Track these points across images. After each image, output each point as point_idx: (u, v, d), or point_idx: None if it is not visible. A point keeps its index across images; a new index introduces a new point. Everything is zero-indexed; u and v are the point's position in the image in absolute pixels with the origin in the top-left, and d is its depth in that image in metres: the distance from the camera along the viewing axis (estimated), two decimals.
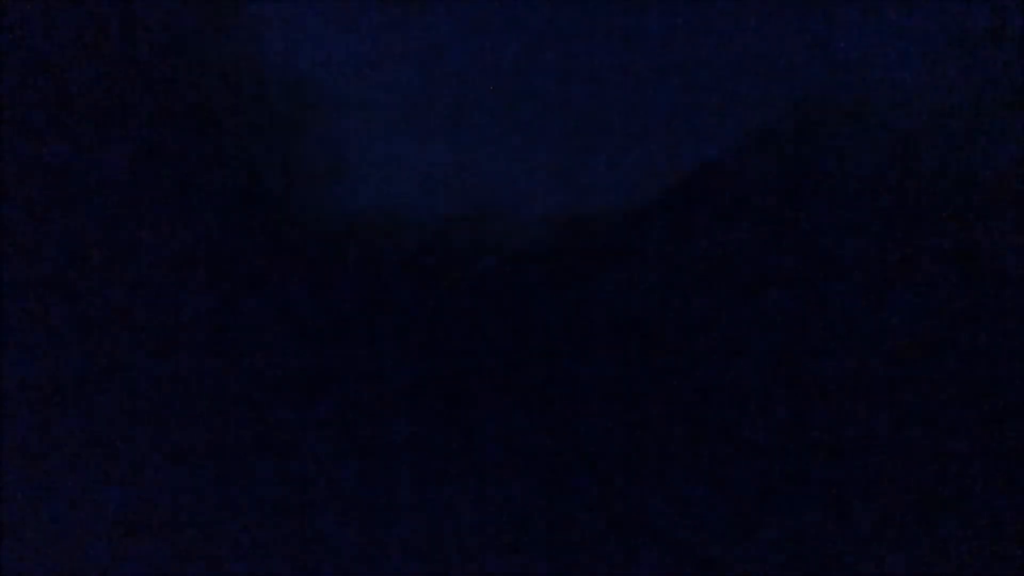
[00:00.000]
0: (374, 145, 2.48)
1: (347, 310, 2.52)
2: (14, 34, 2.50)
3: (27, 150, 2.51)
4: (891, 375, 2.51)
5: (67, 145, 2.51)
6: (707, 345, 2.52)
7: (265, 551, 2.47)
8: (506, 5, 2.49)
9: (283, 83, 2.49)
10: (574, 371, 2.50)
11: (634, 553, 2.48)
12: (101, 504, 2.48)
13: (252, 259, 2.51)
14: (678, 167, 2.54)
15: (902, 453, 2.49)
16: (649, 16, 2.51)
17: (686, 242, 2.53)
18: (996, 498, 2.47)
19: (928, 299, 2.51)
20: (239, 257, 2.52)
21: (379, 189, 2.46)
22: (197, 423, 2.49)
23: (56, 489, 2.48)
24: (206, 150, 2.53)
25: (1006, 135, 2.50)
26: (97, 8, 2.40)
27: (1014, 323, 2.48)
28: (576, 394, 2.50)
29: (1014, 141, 2.50)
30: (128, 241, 2.52)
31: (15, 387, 2.49)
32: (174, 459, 2.49)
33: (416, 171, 2.46)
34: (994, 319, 2.50)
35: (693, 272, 2.52)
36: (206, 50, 2.50)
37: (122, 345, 2.50)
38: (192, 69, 2.51)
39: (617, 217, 2.53)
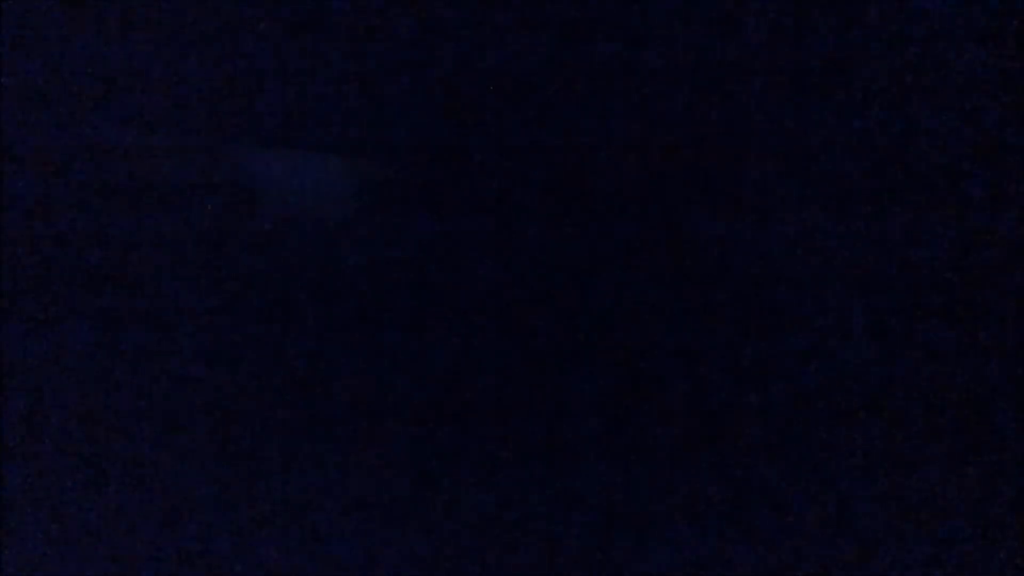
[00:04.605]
0: None
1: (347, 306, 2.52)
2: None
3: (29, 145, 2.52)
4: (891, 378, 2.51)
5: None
6: (707, 347, 2.52)
7: (266, 551, 2.47)
8: None
9: None
10: (572, 370, 2.50)
11: (634, 553, 2.48)
12: (101, 504, 2.48)
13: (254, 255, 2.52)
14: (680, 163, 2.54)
15: (903, 453, 2.49)
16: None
17: (685, 240, 2.53)
18: (997, 500, 2.47)
19: (928, 300, 2.51)
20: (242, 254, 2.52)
21: None
22: (198, 422, 2.50)
23: (56, 489, 2.48)
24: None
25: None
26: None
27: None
28: (574, 393, 2.50)
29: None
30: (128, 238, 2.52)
31: (15, 387, 2.50)
32: (174, 459, 2.49)
33: None
34: (997, 320, 2.50)
35: (692, 271, 2.52)
36: None
37: (122, 344, 2.50)
38: None
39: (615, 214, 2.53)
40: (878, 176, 2.52)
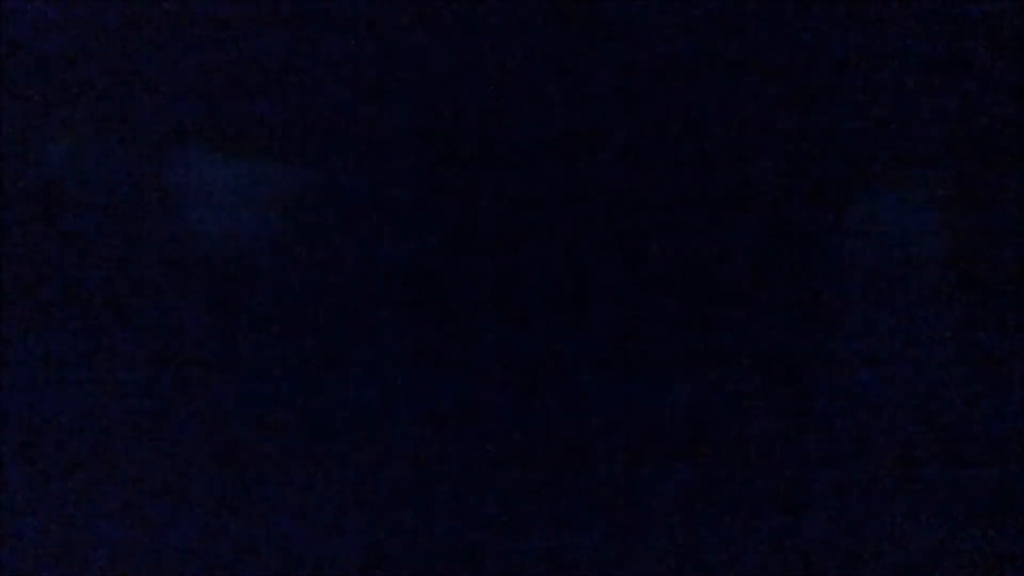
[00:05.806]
0: None
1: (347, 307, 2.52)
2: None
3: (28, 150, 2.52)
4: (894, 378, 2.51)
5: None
6: (707, 340, 2.51)
7: (266, 552, 2.47)
8: None
9: None
10: (573, 370, 2.50)
11: (635, 553, 2.48)
12: (101, 504, 2.48)
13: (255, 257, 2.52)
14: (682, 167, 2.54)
15: (903, 453, 2.49)
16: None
17: (685, 242, 2.53)
18: (998, 501, 2.47)
19: (928, 299, 2.51)
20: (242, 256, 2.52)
21: None
22: (199, 422, 2.50)
23: (56, 489, 2.48)
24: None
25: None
26: None
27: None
28: (575, 393, 2.50)
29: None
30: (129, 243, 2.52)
31: (15, 386, 2.50)
32: (174, 459, 2.49)
33: None
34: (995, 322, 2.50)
35: (692, 272, 2.52)
36: None
37: (122, 344, 2.50)
38: None
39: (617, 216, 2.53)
40: (878, 174, 2.52)
